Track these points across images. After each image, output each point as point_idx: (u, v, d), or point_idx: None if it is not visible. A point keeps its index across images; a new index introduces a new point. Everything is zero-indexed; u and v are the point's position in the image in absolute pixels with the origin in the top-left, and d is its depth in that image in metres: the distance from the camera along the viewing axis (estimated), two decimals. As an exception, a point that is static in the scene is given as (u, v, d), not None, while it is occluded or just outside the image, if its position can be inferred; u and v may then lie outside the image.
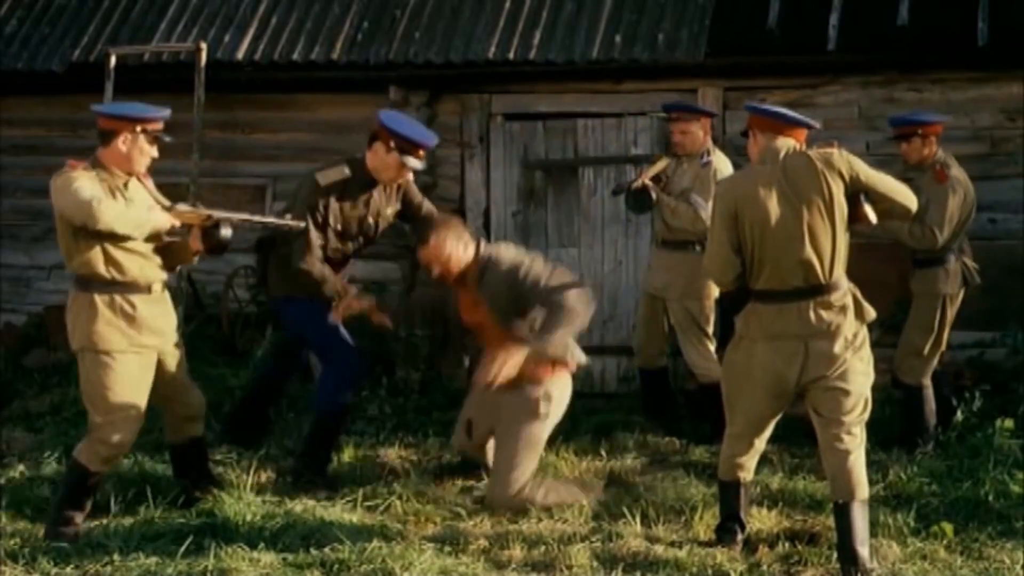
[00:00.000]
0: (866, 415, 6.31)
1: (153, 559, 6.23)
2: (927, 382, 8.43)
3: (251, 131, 11.14)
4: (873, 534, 6.59)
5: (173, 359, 6.92)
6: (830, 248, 6.21)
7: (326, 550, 6.34)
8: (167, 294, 6.92)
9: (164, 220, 6.76)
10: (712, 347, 8.63)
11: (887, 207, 6.39)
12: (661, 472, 7.85)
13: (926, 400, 8.43)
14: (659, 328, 8.90)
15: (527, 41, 10.24)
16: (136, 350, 6.66)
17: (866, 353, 6.36)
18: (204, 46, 10.35)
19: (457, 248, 6.99)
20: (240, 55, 10.73)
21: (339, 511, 6.85)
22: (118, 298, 6.63)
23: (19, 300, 11.74)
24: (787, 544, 6.53)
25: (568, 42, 10.18)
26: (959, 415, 8.52)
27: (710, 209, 7.61)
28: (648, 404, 9.12)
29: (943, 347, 8.52)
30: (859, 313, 6.34)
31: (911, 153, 8.45)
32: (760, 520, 6.83)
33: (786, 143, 6.35)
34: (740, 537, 6.58)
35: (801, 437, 8.46)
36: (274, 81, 10.78)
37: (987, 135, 9.78)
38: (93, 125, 10.83)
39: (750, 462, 6.59)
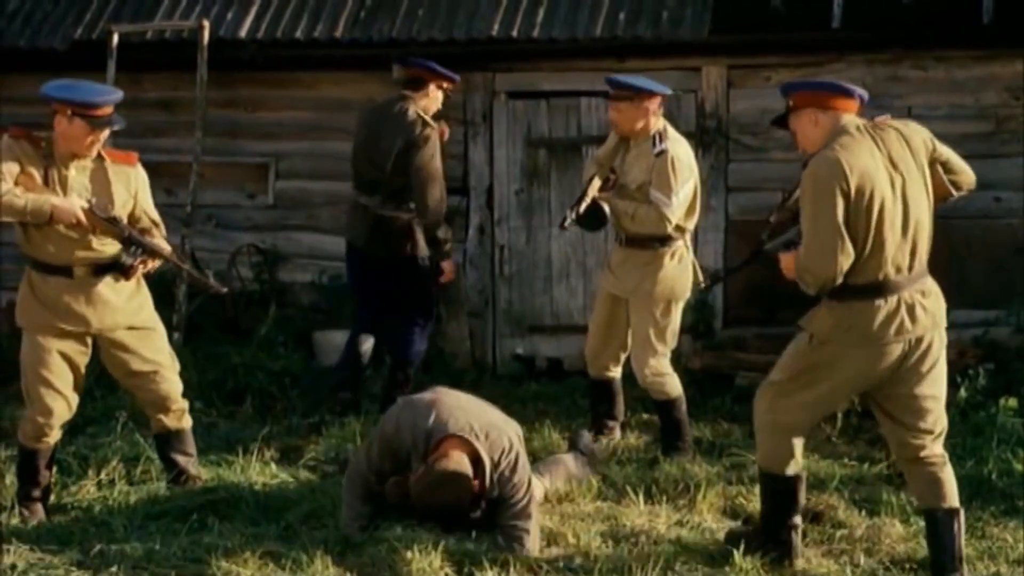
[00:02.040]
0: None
1: (157, 537, 6.23)
2: None
3: (254, 109, 11.11)
4: (876, 512, 6.61)
5: (123, 348, 6.78)
6: (930, 228, 5.83)
7: (331, 528, 6.35)
8: (103, 279, 6.64)
9: (66, 213, 6.47)
10: (668, 360, 7.84)
11: (957, 179, 6.03)
12: (661, 449, 7.85)
13: None
14: (619, 334, 7.98)
15: (530, 19, 10.21)
16: (56, 331, 6.58)
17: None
18: (207, 24, 10.33)
19: (470, 491, 6.22)
20: (243, 33, 10.70)
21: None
22: (38, 278, 6.62)
23: (21, 279, 11.72)
24: (790, 523, 6.52)
25: (572, 20, 10.14)
26: (963, 393, 8.51)
27: (676, 206, 7.57)
28: (598, 417, 8.25)
29: None
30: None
31: None
32: (763, 499, 6.83)
33: (852, 117, 5.83)
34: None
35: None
36: (277, 59, 10.75)
37: (992, 113, 9.75)
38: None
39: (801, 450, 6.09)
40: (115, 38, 10.45)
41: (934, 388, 5.78)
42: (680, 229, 7.69)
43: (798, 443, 5.98)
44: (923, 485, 5.89)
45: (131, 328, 6.79)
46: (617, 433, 8.19)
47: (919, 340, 5.67)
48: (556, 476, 7.09)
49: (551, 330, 10.34)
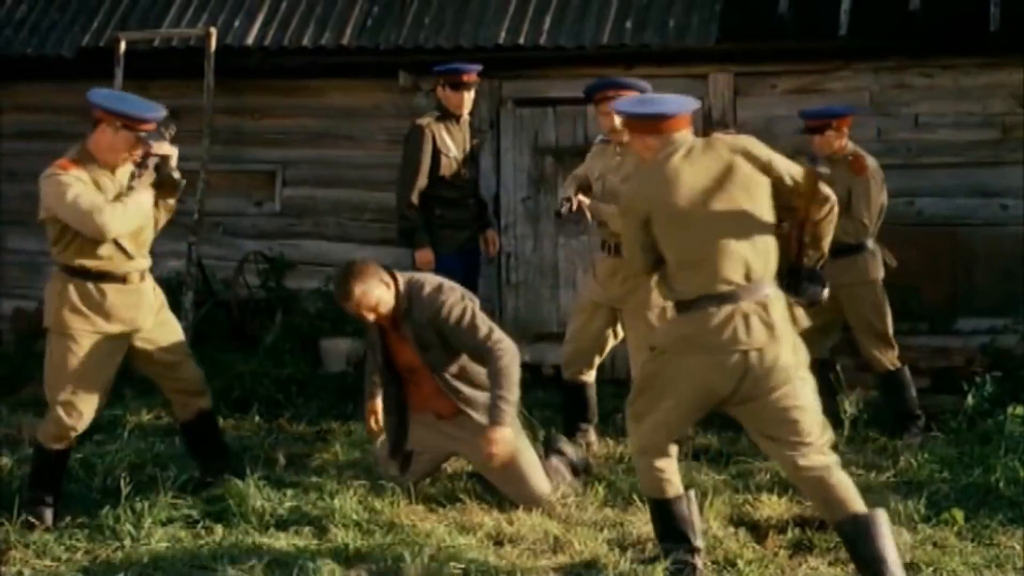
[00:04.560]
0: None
1: (164, 544, 6.24)
2: (897, 362, 8.56)
3: (261, 117, 11.13)
4: (883, 521, 6.60)
5: (150, 342, 6.96)
6: (767, 239, 5.68)
7: (336, 535, 6.35)
8: (147, 282, 6.93)
9: (147, 197, 6.76)
10: None
11: (803, 190, 5.78)
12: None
13: (905, 381, 8.56)
14: (599, 341, 8.03)
15: (537, 26, 10.23)
16: (99, 334, 6.73)
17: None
18: (214, 31, 10.36)
19: (382, 291, 6.82)
20: (250, 40, 10.72)
21: (348, 496, 6.85)
22: (91, 286, 6.71)
23: (30, 286, 11.75)
24: (797, 530, 6.52)
25: (579, 27, 10.16)
26: (970, 401, 8.49)
27: None
28: (571, 421, 8.26)
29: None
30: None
31: (824, 145, 8.53)
32: (769, 507, 6.83)
33: (684, 135, 5.77)
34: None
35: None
36: (284, 66, 10.78)
37: (998, 121, 9.75)
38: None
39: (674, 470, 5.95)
40: (122, 46, 10.49)
41: (794, 399, 5.62)
42: None
43: (666, 464, 5.88)
44: (817, 499, 5.81)
45: (159, 321, 7.02)
46: (592, 436, 8.20)
47: (760, 352, 5.56)
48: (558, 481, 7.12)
49: (557, 338, 10.29)
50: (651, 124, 5.80)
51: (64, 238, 6.69)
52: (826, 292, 5.87)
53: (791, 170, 5.76)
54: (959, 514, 6.70)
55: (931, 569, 6.02)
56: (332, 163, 10.99)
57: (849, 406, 8.18)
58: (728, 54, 10.00)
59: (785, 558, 6.21)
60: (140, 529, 6.45)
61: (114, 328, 6.77)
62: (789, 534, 6.49)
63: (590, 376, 8.20)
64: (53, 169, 6.67)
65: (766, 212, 5.68)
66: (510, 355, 6.80)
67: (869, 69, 9.93)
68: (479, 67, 8.84)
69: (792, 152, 9.81)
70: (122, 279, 6.78)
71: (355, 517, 6.57)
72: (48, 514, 6.74)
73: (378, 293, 6.78)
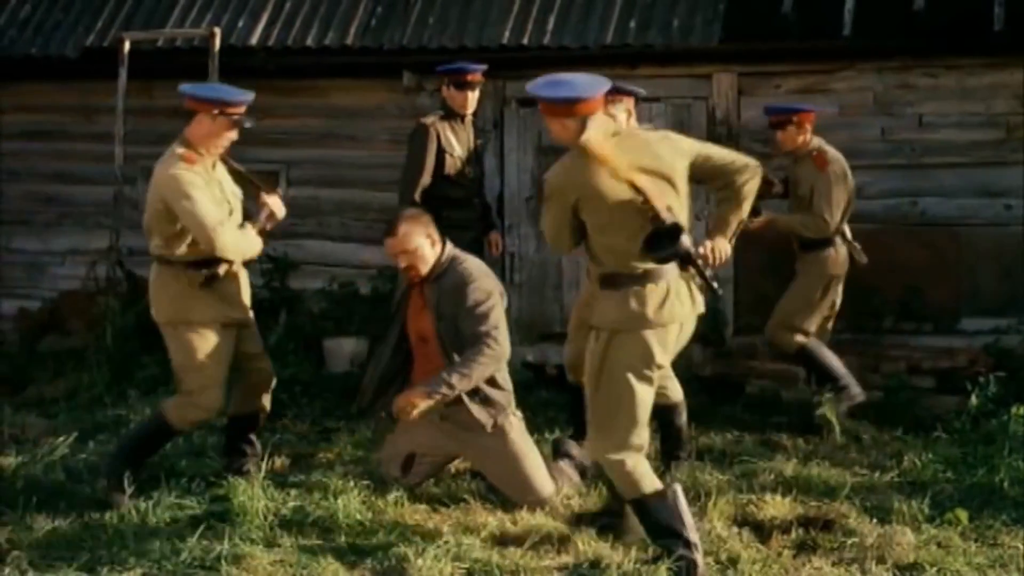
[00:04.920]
0: None
1: (167, 545, 6.24)
2: (800, 339, 8.63)
3: (264, 117, 11.09)
4: (888, 521, 6.59)
5: (250, 330, 7.27)
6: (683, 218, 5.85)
7: (340, 536, 6.35)
8: (244, 270, 7.22)
9: (257, 240, 7.18)
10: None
11: (726, 177, 6.06)
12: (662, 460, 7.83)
13: (815, 350, 8.65)
14: None
15: (541, 26, 10.23)
16: (218, 321, 7.01)
17: None
18: (218, 31, 10.37)
19: (424, 242, 6.96)
20: (254, 40, 10.73)
21: (352, 496, 6.85)
22: (198, 277, 6.94)
23: (33, 286, 11.78)
24: (801, 531, 6.52)
25: (582, 27, 10.16)
26: (974, 401, 8.49)
27: None
28: (578, 422, 7.93)
29: (829, 323, 8.83)
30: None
31: (786, 141, 8.59)
32: (773, 507, 6.82)
33: (601, 119, 5.92)
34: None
35: (813, 424, 8.48)
36: (288, 66, 10.78)
37: (1002, 121, 9.75)
38: (106, 111, 10.94)
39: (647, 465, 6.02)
40: (126, 46, 10.48)
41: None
42: None
43: (638, 459, 5.91)
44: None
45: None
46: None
47: (683, 325, 5.92)
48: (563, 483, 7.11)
49: (561, 337, 10.27)
50: (566, 107, 5.89)
51: (172, 230, 6.89)
52: (683, 247, 5.81)
53: (707, 150, 6.01)
54: (963, 514, 6.70)
55: (935, 569, 6.01)
56: (336, 163, 11.00)
57: (831, 415, 8.18)
58: (732, 54, 10.01)
59: (789, 558, 6.19)
60: (144, 529, 6.45)
61: (233, 314, 7.08)
62: (793, 534, 6.48)
63: None
64: (173, 165, 6.91)
65: (683, 192, 5.88)
66: (491, 359, 6.83)
67: (873, 69, 9.93)
68: (484, 67, 8.83)
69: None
70: (232, 267, 7.05)
71: (359, 517, 6.57)
72: (125, 497, 6.85)
73: (420, 241, 6.94)
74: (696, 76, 10.08)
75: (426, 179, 8.61)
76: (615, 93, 7.62)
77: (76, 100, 11.61)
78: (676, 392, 7.61)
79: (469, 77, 8.67)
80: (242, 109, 7.06)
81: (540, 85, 6.11)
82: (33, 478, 7.33)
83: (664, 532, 5.91)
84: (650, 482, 5.94)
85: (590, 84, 6.01)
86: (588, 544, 6.27)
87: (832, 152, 8.65)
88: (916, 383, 9.12)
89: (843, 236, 8.68)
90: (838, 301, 8.79)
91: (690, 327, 5.98)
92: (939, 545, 6.36)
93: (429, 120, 8.70)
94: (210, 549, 6.16)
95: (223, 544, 6.21)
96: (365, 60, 10.59)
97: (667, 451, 7.68)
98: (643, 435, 5.94)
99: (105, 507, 6.80)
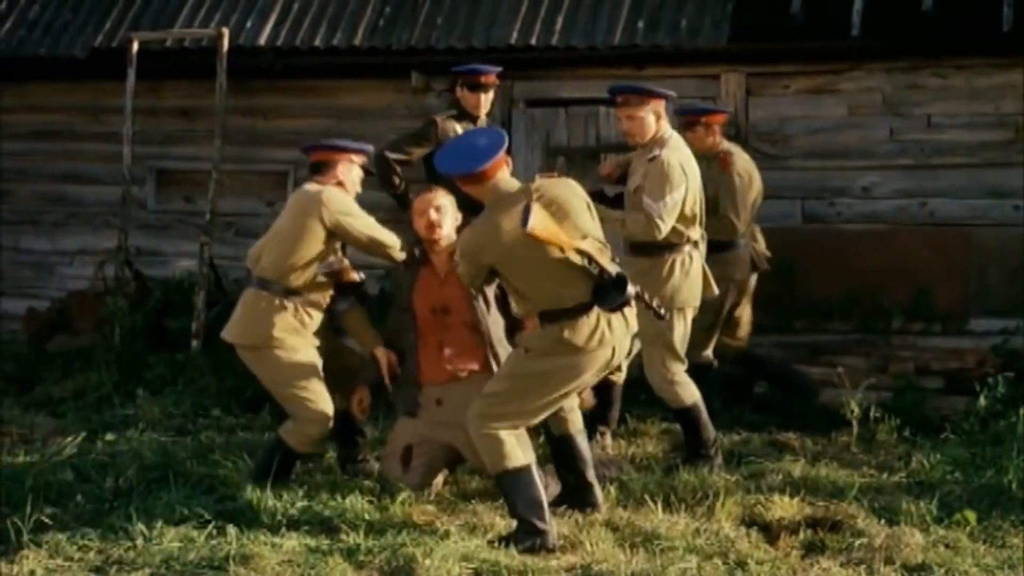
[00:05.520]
0: None
1: (176, 544, 6.24)
2: (708, 356, 8.67)
3: (273, 117, 11.15)
4: (896, 522, 6.58)
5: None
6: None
7: (348, 537, 6.35)
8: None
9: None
10: (682, 368, 7.59)
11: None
12: (683, 458, 7.83)
13: (743, 357, 8.98)
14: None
15: (549, 27, 10.23)
16: (311, 345, 7.24)
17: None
18: (226, 32, 10.37)
19: (450, 207, 7.15)
20: (262, 41, 10.74)
21: (359, 496, 6.85)
22: (301, 307, 7.19)
23: (42, 285, 11.79)
24: (809, 531, 6.51)
25: (590, 28, 10.16)
26: (982, 402, 8.47)
27: (663, 211, 7.34)
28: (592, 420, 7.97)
29: (741, 329, 8.94)
30: None
31: (695, 142, 8.41)
32: (781, 507, 6.80)
33: (505, 179, 6.40)
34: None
35: (822, 425, 8.48)
36: (296, 67, 10.79)
37: (1011, 121, 9.74)
38: (115, 111, 10.96)
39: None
40: (135, 46, 10.50)
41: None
42: (680, 235, 7.55)
43: (510, 436, 6.38)
44: (553, 420, 6.76)
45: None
46: (608, 440, 8.17)
47: (619, 346, 6.40)
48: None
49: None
50: (474, 177, 6.31)
51: (310, 264, 7.14)
52: (630, 295, 6.24)
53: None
54: (971, 515, 6.68)
55: (943, 570, 6.00)
56: (344, 163, 10.99)
57: (855, 406, 8.16)
58: (740, 54, 10.00)
59: (797, 559, 6.19)
60: (152, 529, 6.45)
61: (316, 341, 7.28)
62: (801, 535, 6.48)
63: (617, 377, 7.97)
64: (328, 187, 7.21)
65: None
66: None
67: (882, 69, 9.92)
68: (499, 69, 8.82)
69: (807, 153, 9.91)
70: (319, 306, 7.28)
71: (366, 517, 6.57)
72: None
73: (446, 202, 7.16)
74: (704, 76, 10.08)
75: (406, 155, 8.71)
76: (642, 95, 7.57)
77: (85, 100, 11.62)
78: (690, 395, 7.62)
79: (483, 79, 8.66)
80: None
81: (446, 160, 6.52)
82: (42, 478, 7.33)
83: (532, 506, 6.32)
84: (522, 455, 6.40)
85: (489, 147, 6.37)
86: (596, 544, 6.27)
87: (739, 154, 8.70)
88: (924, 384, 9.08)
89: (748, 240, 8.70)
90: (746, 311, 8.85)
91: (624, 348, 6.48)
92: (947, 546, 6.35)
93: (440, 117, 8.70)
94: (218, 549, 6.16)
95: (231, 544, 6.21)
96: (373, 60, 10.60)
97: (690, 450, 7.68)
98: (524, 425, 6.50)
99: (113, 507, 6.81)
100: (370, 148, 7.55)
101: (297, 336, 7.18)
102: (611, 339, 6.30)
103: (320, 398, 7.17)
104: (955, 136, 9.83)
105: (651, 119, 7.45)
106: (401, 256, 7.28)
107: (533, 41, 10.20)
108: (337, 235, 7.16)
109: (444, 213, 7.15)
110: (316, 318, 7.25)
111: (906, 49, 9.78)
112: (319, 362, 7.24)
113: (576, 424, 6.84)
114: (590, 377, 6.45)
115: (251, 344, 7.27)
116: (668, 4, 10.17)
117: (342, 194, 7.20)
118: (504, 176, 6.34)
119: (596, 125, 10.30)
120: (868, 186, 9.95)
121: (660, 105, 7.51)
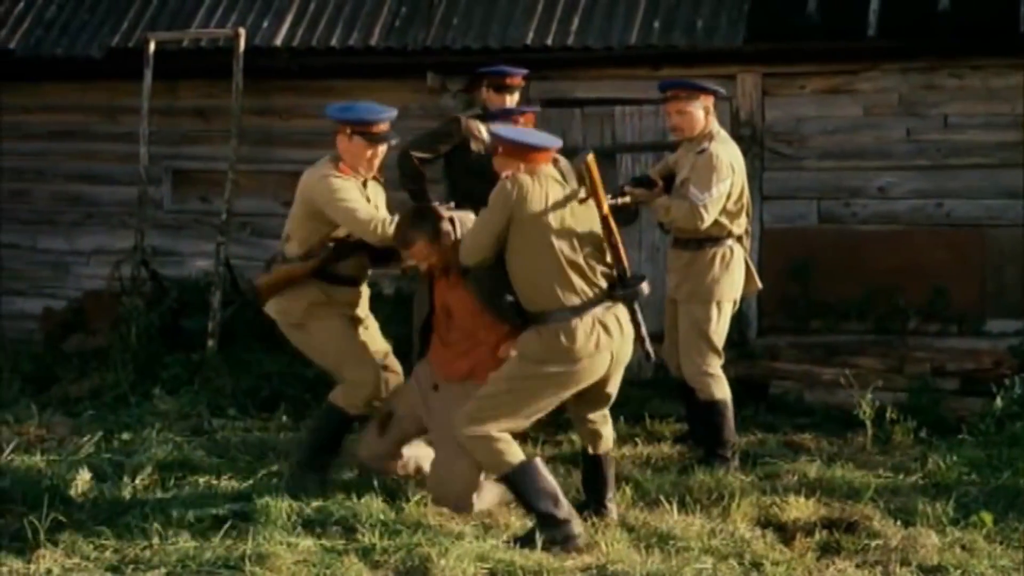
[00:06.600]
0: None
1: (192, 544, 6.26)
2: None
3: (289, 117, 11.16)
4: (912, 523, 6.57)
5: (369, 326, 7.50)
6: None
7: (363, 537, 6.36)
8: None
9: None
10: (718, 362, 7.74)
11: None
12: (698, 458, 7.83)
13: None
14: (671, 336, 7.97)
15: (565, 27, 10.22)
16: (343, 316, 7.28)
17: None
18: (242, 32, 10.39)
19: (431, 243, 6.83)
20: (278, 41, 10.75)
21: (375, 496, 6.86)
22: (326, 281, 7.19)
23: (58, 285, 11.82)
24: (824, 532, 6.50)
25: (606, 28, 10.15)
26: (998, 403, 8.44)
27: (708, 201, 7.48)
28: (694, 425, 8.15)
29: None
30: None
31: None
32: (797, 508, 6.80)
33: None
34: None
35: (838, 426, 8.47)
36: (312, 67, 10.80)
37: (1028, 122, 9.71)
38: (131, 111, 10.98)
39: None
40: (151, 46, 10.52)
41: (617, 383, 6.65)
42: (722, 228, 7.64)
43: (503, 434, 6.42)
44: (586, 436, 6.74)
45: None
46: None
47: (617, 351, 6.43)
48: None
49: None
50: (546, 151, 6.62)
51: (312, 234, 7.12)
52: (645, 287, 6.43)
53: None
54: (988, 517, 6.67)
55: (959, 572, 6.00)
56: (360, 163, 10.99)
57: (867, 407, 8.15)
58: (756, 55, 9.98)
59: (812, 560, 6.18)
60: (168, 528, 6.47)
61: (350, 311, 7.33)
62: (817, 536, 6.48)
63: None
64: (325, 171, 7.10)
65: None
66: None
67: (898, 70, 9.89)
68: (525, 71, 8.79)
69: (823, 154, 9.89)
70: (354, 283, 7.32)
71: (382, 517, 6.57)
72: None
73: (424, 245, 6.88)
74: (720, 76, 10.03)
75: (429, 153, 8.69)
76: (692, 90, 7.73)
77: (101, 100, 11.64)
78: (721, 390, 7.73)
79: (509, 80, 8.62)
80: (380, 127, 7.13)
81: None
82: (58, 477, 7.35)
83: (543, 498, 6.36)
84: (519, 453, 6.47)
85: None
86: (611, 545, 6.27)
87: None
88: (940, 385, 9.06)
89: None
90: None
91: (624, 353, 6.50)
92: (964, 548, 6.34)
93: (463, 116, 8.69)
94: (234, 548, 6.18)
95: (247, 543, 6.22)
96: (389, 61, 10.60)
97: (708, 448, 7.70)
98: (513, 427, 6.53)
99: (130, 507, 6.83)
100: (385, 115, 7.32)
101: (328, 307, 7.17)
102: (609, 343, 6.34)
103: (363, 361, 7.19)
104: (972, 136, 9.81)
105: (700, 114, 7.69)
106: (376, 236, 6.96)
107: (549, 41, 10.19)
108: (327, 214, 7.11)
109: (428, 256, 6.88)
110: (343, 290, 7.24)
111: (922, 49, 9.75)
112: (353, 330, 7.28)
113: (607, 443, 6.78)
114: (588, 383, 6.44)
115: (287, 321, 7.32)
116: (684, 4, 10.16)
117: (332, 183, 7.04)
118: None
119: (612, 125, 10.29)
120: (884, 186, 9.92)
121: (709, 100, 7.75)
